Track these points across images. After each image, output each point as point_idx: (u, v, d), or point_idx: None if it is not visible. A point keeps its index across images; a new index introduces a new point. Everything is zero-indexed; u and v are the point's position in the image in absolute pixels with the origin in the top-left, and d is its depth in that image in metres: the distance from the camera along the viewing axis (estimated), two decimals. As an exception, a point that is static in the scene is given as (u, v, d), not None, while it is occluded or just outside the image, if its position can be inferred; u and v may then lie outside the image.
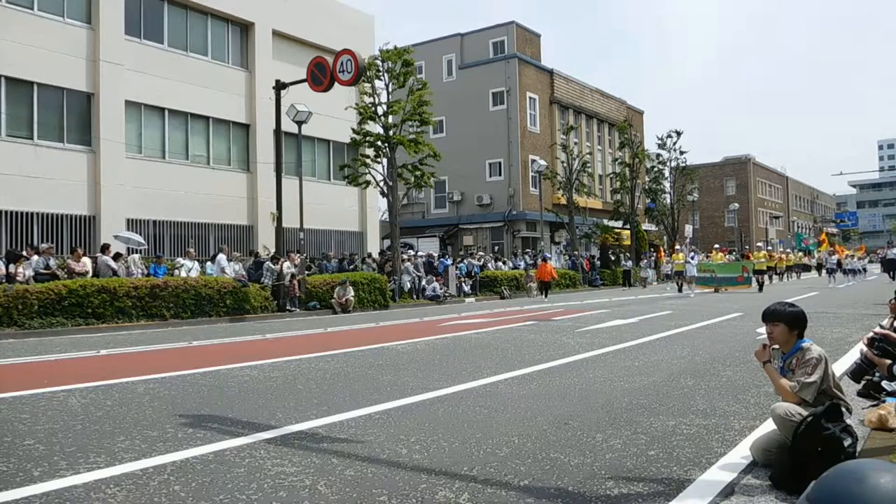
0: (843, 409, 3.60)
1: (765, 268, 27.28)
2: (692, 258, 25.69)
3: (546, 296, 23.95)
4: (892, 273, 29.67)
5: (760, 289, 25.02)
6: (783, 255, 39.77)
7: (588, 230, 38.45)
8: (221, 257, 17.99)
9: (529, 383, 6.51)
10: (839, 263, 28.56)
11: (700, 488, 3.39)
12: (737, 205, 62.85)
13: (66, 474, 3.67)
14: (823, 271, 35.04)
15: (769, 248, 41.29)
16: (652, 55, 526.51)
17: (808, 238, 50.70)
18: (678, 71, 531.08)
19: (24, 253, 14.94)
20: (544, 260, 25.36)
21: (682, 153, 44.75)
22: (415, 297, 23.34)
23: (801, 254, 43.85)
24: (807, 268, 45.12)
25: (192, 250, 18.81)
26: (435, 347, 9.67)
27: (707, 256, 29.97)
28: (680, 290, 25.19)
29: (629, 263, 35.45)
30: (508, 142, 37.89)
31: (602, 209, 41.83)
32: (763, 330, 4.09)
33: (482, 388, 6.25)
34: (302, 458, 3.96)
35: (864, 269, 33.79)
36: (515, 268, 30.06)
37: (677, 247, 28.55)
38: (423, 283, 23.95)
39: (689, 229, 35.10)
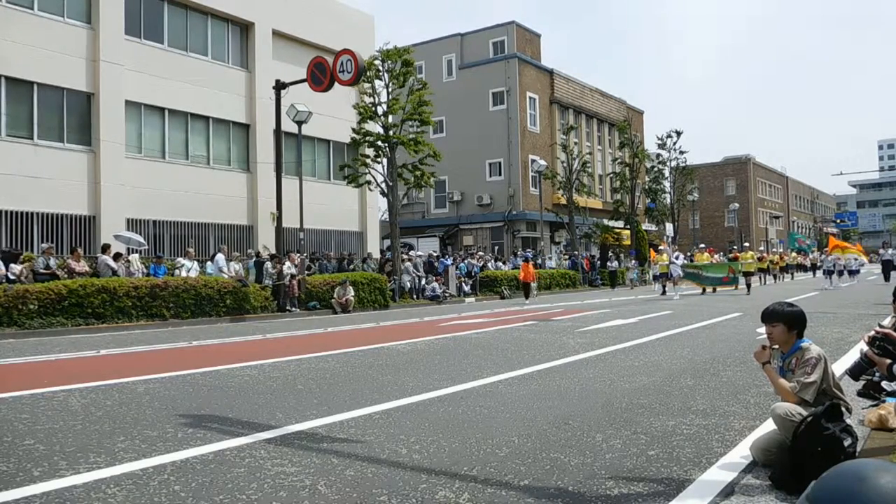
0: (843, 409, 3.60)
1: (753, 269, 25.63)
2: (676, 258, 24.24)
3: (527, 297, 22.84)
4: (888, 275, 29.08)
5: (748, 291, 23.55)
6: (779, 256, 39.00)
7: (588, 230, 38.44)
8: (220, 257, 18.00)
9: (529, 383, 6.50)
10: (835, 264, 27.92)
11: (700, 488, 3.39)
12: (737, 205, 62.88)
13: (66, 474, 3.67)
14: (819, 272, 34.34)
15: (760, 248, 40.36)
16: (652, 55, 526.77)
17: (803, 238, 49.57)
18: (678, 71, 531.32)
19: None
20: (525, 260, 24.17)
21: (682, 153, 44.80)
22: (415, 297, 23.34)
23: (794, 254, 42.79)
24: (803, 268, 44.22)
25: (191, 250, 18.81)
26: (435, 347, 9.67)
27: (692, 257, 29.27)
28: (663, 292, 23.54)
29: (614, 264, 34.52)
30: (508, 142, 37.90)
31: (602, 209, 41.83)
32: (763, 330, 4.09)
33: (482, 388, 6.25)
34: (302, 458, 3.96)
35: (859, 271, 33.18)
36: (515, 268, 30.03)
37: (661, 247, 26.93)
38: (423, 283, 23.95)
39: (669, 228, 33.76)
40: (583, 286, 31.95)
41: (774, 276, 35.25)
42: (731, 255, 29.45)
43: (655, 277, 26.04)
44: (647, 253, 37.90)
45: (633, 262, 35.00)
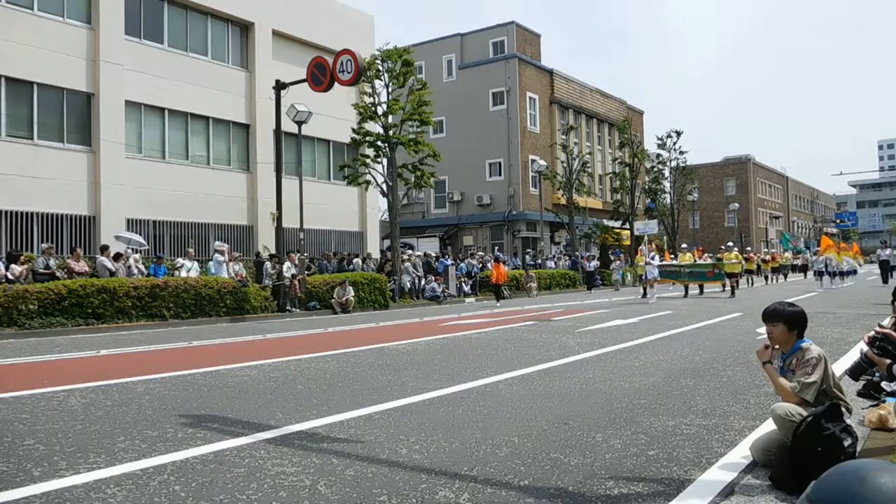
0: (843, 409, 3.60)
1: (737, 270, 23.74)
2: (653, 259, 22.56)
3: (499, 299, 21.99)
4: (885, 275, 28.28)
5: (732, 293, 22.03)
6: (770, 256, 37.73)
7: (588, 230, 38.42)
8: (216, 256, 18.03)
9: (529, 383, 6.50)
10: (826, 265, 26.67)
11: (700, 488, 3.39)
12: (737, 205, 62.88)
13: (66, 474, 3.67)
14: (810, 273, 32.48)
15: (748, 248, 38.95)
16: (652, 55, 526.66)
17: (795, 238, 48.05)
18: (678, 71, 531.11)
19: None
20: (496, 261, 23.27)
21: (682, 153, 44.71)
22: (415, 297, 23.35)
23: (787, 254, 41.49)
24: (797, 269, 41.98)
25: (191, 250, 18.80)
26: (435, 347, 9.67)
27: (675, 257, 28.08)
28: (644, 294, 21.78)
29: (593, 264, 32.72)
30: (508, 142, 37.90)
31: (602, 209, 41.83)
32: (763, 330, 4.09)
33: (482, 388, 6.25)
34: (302, 458, 3.96)
35: (856, 271, 32.37)
36: (516, 268, 30.04)
37: (641, 247, 25.34)
38: (423, 283, 23.95)
39: (642, 225, 31.27)
40: (582, 286, 31.90)
41: (766, 278, 33.96)
42: (717, 256, 27.68)
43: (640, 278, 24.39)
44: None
45: (617, 262, 33.22)
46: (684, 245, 30.79)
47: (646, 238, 26.57)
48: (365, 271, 21.92)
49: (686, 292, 23.51)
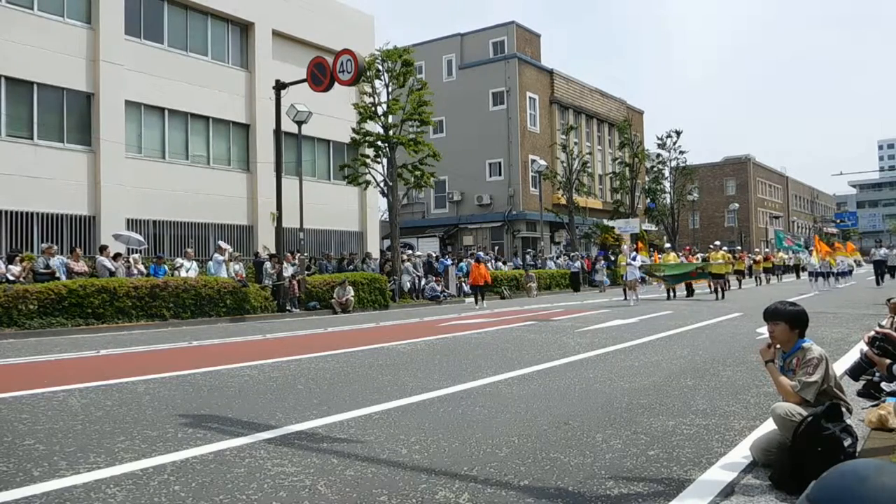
0: (844, 409, 3.60)
1: (724, 270, 22.48)
2: (634, 259, 21.13)
3: (477, 302, 21.00)
4: (881, 276, 27.68)
5: (721, 295, 20.97)
6: (763, 256, 36.13)
7: (588, 230, 38.44)
8: (216, 256, 18.04)
9: (529, 383, 6.50)
10: (820, 266, 25.71)
11: (700, 488, 3.39)
12: (737, 205, 62.88)
13: (66, 474, 3.67)
14: (804, 274, 31.39)
15: (737, 247, 38.03)
16: (652, 55, 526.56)
17: (790, 238, 46.99)
18: (678, 71, 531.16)
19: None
20: (477, 261, 22.15)
21: (682, 153, 44.69)
22: (415, 297, 23.34)
23: (782, 254, 40.60)
24: (793, 269, 40.38)
25: (190, 250, 18.78)
26: (435, 347, 9.67)
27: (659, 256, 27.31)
28: (625, 297, 20.95)
29: (578, 264, 31.31)
30: (508, 142, 37.91)
31: (602, 209, 41.84)
32: (763, 330, 4.09)
33: (482, 388, 6.25)
34: (302, 458, 3.96)
35: (852, 271, 31.84)
36: (517, 268, 30.04)
37: (623, 246, 24.09)
38: (423, 283, 23.95)
39: (625, 223, 29.38)
40: (583, 286, 31.86)
41: (758, 279, 33.07)
42: (703, 255, 26.84)
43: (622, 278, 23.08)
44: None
45: (603, 262, 32.14)
46: (667, 245, 30.01)
47: (627, 237, 26.02)
48: (365, 271, 21.92)
49: (668, 294, 22.33)
